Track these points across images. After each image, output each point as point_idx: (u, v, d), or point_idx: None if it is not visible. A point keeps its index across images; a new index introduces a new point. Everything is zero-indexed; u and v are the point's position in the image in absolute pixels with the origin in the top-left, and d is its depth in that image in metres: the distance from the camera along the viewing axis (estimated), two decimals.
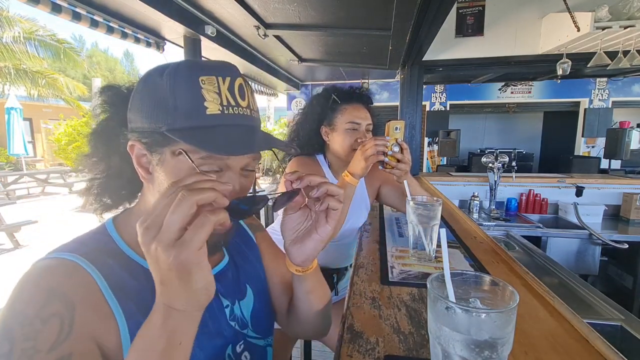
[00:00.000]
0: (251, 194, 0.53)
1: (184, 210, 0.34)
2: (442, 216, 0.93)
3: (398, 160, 1.03)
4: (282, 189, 0.63)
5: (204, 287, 0.37)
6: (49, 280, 0.43)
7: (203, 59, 3.36)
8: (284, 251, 0.57)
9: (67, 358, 0.39)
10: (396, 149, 1.02)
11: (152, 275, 0.37)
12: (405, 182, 1.03)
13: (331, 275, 1.33)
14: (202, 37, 2.98)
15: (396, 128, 1.02)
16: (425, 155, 6.90)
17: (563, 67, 2.77)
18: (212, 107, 0.45)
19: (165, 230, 0.34)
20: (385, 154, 1.03)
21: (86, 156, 0.58)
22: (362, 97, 1.22)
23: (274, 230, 1.30)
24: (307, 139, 1.25)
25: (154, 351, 0.36)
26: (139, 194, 0.57)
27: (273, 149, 0.52)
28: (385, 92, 6.89)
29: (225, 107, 0.46)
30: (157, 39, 3.28)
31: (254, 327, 0.62)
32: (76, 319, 0.41)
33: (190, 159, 0.45)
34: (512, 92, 6.55)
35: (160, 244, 0.34)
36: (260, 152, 0.51)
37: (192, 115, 0.44)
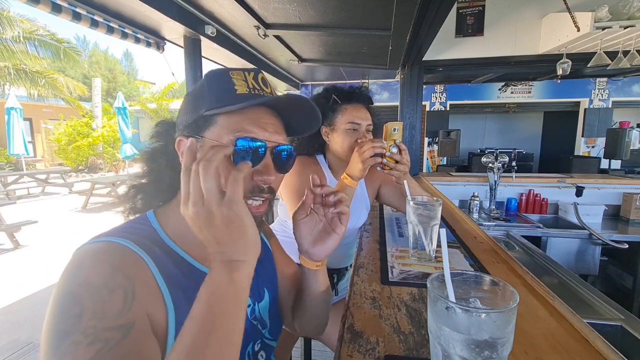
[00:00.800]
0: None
1: (211, 174, 0.40)
2: (442, 216, 0.93)
3: (396, 162, 1.03)
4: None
5: (255, 239, 0.43)
6: (109, 257, 0.45)
7: (203, 59, 3.36)
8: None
9: (130, 326, 0.41)
10: (394, 150, 1.02)
11: (208, 246, 0.42)
12: (405, 182, 1.03)
13: (331, 275, 1.33)
14: (202, 37, 2.98)
15: (394, 129, 1.02)
16: (425, 155, 6.90)
17: (563, 67, 2.77)
18: (241, 89, 0.52)
19: (208, 195, 0.40)
20: (383, 155, 1.03)
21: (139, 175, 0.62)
22: (362, 97, 1.22)
23: (274, 230, 1.30)
24: (307, 139, 1.25)
25: (225, 299, 0.40)
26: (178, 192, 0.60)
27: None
28: (385, 92, 6.89)
29: (251, 89, 0.53)
30: (157, 39, 3.28)
31: (270, 328, 0.65)
32: (137, 294, 0.43)
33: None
34: (512, 92, 6.55)
35: (211, 206, 0.40)
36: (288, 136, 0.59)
37: (225, 95, 0.52)
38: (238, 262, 0.41)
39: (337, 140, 1.19)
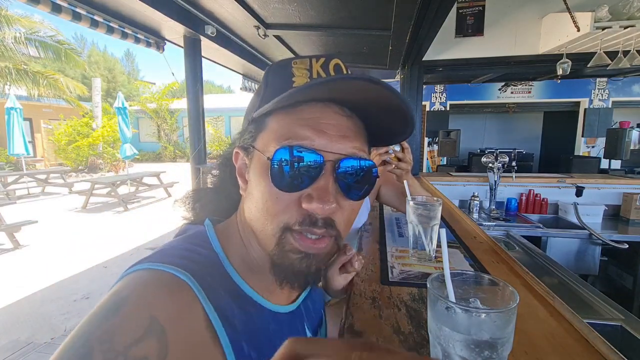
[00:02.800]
0: None
1: None
2: (442, 216, 0.93)
3: (399, 160, 1.03)
4: None
5: None
6: (155, 304, 0.34)
7: (203, 59, 3.36)
8: None
9: None
10: (397, 148, 1.02)
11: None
12: (405, 182, 1.03)
13: None
14: (202, 37, 2.98)
15: None
16: (425, 155, 6.90)
17: (563, 67, 2.78)
18: (300, 79, 0.41)
19: None
20: (386, 152, 1.04)
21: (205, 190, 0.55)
22: None
23: None
24: None
25: None
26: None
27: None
28: None
29: (311, 79, 0.41)
30: (157, 39, 3.28)
31: None
32: None
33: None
34: (512, 92, 6.55)
35: None
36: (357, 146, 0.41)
37: (278, 91, 0.38)
38: None
39: None
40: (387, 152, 1.02)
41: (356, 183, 0.39)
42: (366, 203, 1.34)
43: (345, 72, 0.42)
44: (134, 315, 0.32)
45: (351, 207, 0.41)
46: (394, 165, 1.03)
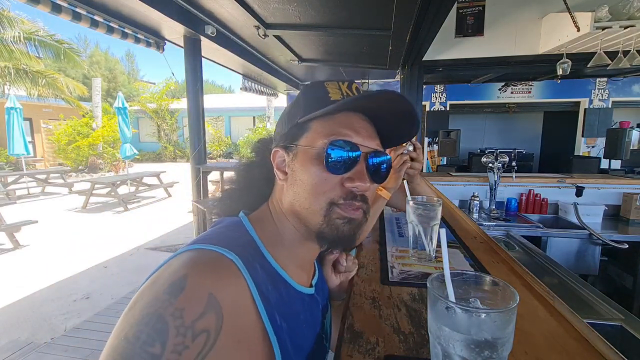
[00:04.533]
0: None
1: None
2: (442, 216, 0.93)
3: (412, 159, 1.04)
4: None
5: None
6: (212, 282, 0.40)
7: (203, 59, 3.36)
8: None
9: None
10: (410, 148, 1.03)
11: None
12: (405, 182, 1.03)
13: None
14: (202, 37, 2.98)
15: None
16: (425, 155, 6.90)
17: (563, 67, 2.78)
18: (335, 95, 0.52)
19: None
20: (402, 153, 1.04)
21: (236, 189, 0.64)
22: None
23: None
24: None
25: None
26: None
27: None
28: None
29: (345, 96, 0.52)
30: (157, 39, 3.28)
31: (330, 338, 0.66)
32: (218, 342, 0.38)
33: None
34: (512, 92, 6.55)
35: None
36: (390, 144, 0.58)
37: (319, 102, 0.51)
38: None
39: None
40: (402, 152, 1.02)
41: (380, 171, 0.53)
42: None
43: (361, 91, 0.55)
44: (196, 293, 0.39)
45: (375, 188, 0.55)
46: (409, 165, 1.03)
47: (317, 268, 0.65)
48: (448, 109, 6.83)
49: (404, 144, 1.03)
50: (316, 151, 0.49)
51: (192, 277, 0.40)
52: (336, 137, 0.49)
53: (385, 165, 0.53)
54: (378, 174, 0.52)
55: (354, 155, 0.49)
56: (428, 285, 0.41)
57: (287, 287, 0.51)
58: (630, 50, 2.62)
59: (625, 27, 2.35)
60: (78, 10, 2.40)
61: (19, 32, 8.82)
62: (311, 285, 0.59)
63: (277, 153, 0.54)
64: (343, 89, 0.53)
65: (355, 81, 0.56)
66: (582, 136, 6.44)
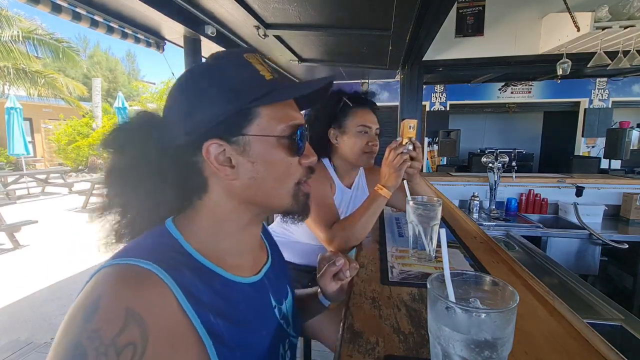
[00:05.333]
0: None
1: None
2: (442, 216, 0.93)
3: (412, 158, 1.04)
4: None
5: None
6: (128, 296, 0.39)
7: (203, 59, 3.36)
8: None
9: None
10: (410, 147, 1.03)
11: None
12: (404, 181, 1.03)
13: None
14: (202, 37, 2.98)
15: (410, 127, 1.03)
16: (425, 155, 6.90)
17: (563, 67, 2.77)
18: (266, 74, 0.50)
19: None
20: (411, 158, 1.04)
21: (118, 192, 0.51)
22: (371, 102, 1.25)
23: (273, 231, 1.30)
24: (315, 142, 1.24)
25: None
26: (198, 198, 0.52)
27: None
28: (385, 92, 6.89)
29: (272, 72, 0.51)
30: (157, 39, 3.28)
31: (294, 326, 0.64)
32: (147, 352, 0.37)
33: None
34: (512, 92, 6.55)
35: None
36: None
37: (259, 84, 0.48)
38: None
39: (347, 143, 1.19)
40: (402, 151, 1.02)
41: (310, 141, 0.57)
42: None
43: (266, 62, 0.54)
44: (111, 310, 0.37)
45: None
46: (409, 164, 1.03)
47: (269, 254, 0.64)
48: (448, 109, 6.83)
49: (404, 143, 1.03)
50: (276, 138, 0.48)
51: (105, 297, 0.38)
52: (293, 122, 0.50)
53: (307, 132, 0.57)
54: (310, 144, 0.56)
55: (305, 135, 0.52)
56: (428, 285, 0.41)
57: (222, 281, 0.49)
58: (630, 50, 2.62)
59: (625, 27, 2.35)
60: (78, 10, 2.40)
61: (17, 31, 8.81)
62: (257, 273, 0.57)
63: (212, 147, 0.46)
64: (262, 62, 0.51)
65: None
66: (582, 136, 6.44)
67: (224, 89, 0.46)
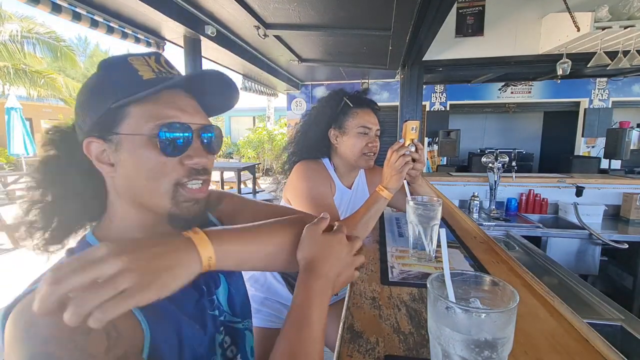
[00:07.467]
0: None
1: None
2: (442, 216, 0.93)
3: (414, 160, 1.03)
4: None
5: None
6: (50, 332, 0.37)
7: (203, 59, 3.36)
8: None
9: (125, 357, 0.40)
10: (412, 148, 1.03)
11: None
12: (405, 183, 1.03)
13: None
14: (202, 37, 2.98)
15: (413, 128, 1.03)
16: (425, 155, 6.89)
17: (563, 67, 2.78)
18: (147, 74, 0.49)
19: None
20: (413, 160, 1.04)
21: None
22: (371, 103, 1.24)
23: None
24: (315, 142, 1.24)
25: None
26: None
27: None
28: (385, 92, 6.89)
29: (158, 73, 0.50)
30: (157, 39, 3.28)
31: (231, 310, 0.63)
32: (118, 326, 0.40)
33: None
34: (512, 92, 6.54)
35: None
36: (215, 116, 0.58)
37: (131, 83, 0.48)
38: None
39: (347, 144, 1.19)
40: (404, 153, 1.02)
41: (213, 142, 0.54)
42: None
43: (174, 66, 0.54)
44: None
45: (213, 160, 0.56)
46: (412, 166, 1.03)
47: None
48: (448, 109, 6.82)
49: (406, 144, 1.03)
50: (144, 138, 0.47)
51: (38, 317, 0.37)
52: (165, 120, 0.48)
53: (214, 134, 0.54)
54: (211, 146, 0.54)
55: (187, 135, 0.49)
56: (428, 285, 0.41)
57: None
58: (630, 50, 2.62)
59: (625, 27, 2.35)
60: (78, 10, 2.40)
61: (17, 30, 8.81)
62: None
63: (92, 144, 0.49)
64: (152, 64, 0.51)
65: (162, 54, 0.54)
66: (582, 136, 6.43)
67: (96, 91, 0.50)
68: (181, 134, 0.49)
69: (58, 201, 0.52)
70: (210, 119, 0.57)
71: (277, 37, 3.19)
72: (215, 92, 0.55)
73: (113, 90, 0.48)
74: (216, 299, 0.61)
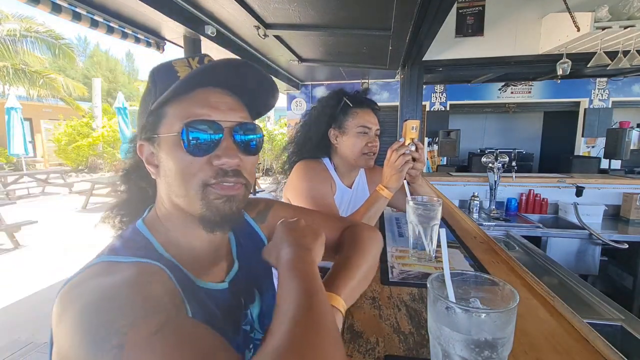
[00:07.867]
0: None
1: None
2: (442, 216, 0.93)
3: (414, 159, 1.03)
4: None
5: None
6: (143, 285, 0.41)
7: None
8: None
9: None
10: (412, 148, 1.02)
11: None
12: (405, 182, 1.03)
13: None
14: (202, 37, 2.97)
15: (413, 127, 1.03)
16: (426, 155, 6.89)
17: (563, 67, 2.78)
18: (184, 73, 0.50)
19: None
20: (413, 159, 1.03)
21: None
22: (371, 103, 1.24)
23: None
24: (315, 141, 1.24)
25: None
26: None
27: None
28: (385, 92, 6.89)
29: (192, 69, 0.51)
30: (157, 39, 3.28)
31: (261, 327, 0.62)
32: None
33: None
34: (512, 92, 6.54)
35: None
36: (254, 116, 0.57)
37: (168, 83, 0.48)
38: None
39: (347, 144, 1.19)
40: (404, 152, 1.02)
41: (249, 142, 0.51)
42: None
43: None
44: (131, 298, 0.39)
45: (251, 161, 0.53)
46: (412, 165, 1.03)
47: (235, 261, 0.62)
48: (448, 109, 6.82)
49: (406, 144, 1.03)
50: (176, 137, 0.47)
51: (124, 289, 0.40)
52: (191, 119, 0.47)
53: (253, 136, 0.52)
54: (248, 146, 0.51)
55: (214, 134, 0.48)
56: (428, 285, 0.41)
57: (195, 288, 0.51)
58: (630, 50, 2.62)
59: (625, 27, 2.35)
60: (78, 10, 2.40)
61: (16, 29, 8.80)
62: (223, 280, 0.57)
63: (143, 147, 0.52)
64: (193, 65, 0.51)
65: (208, 55, 0.54)
66: (582, 136, 6.43)
67: (143, 97, 0.53)
68: (207, 133, 0.47)
69: (131, 196, 0.60)
70: None
71: (277, 37, 3.19)
72: (253, 89, 0.53)
73: (154, 93, 0.50)
74: (249, 313, 0.60)
